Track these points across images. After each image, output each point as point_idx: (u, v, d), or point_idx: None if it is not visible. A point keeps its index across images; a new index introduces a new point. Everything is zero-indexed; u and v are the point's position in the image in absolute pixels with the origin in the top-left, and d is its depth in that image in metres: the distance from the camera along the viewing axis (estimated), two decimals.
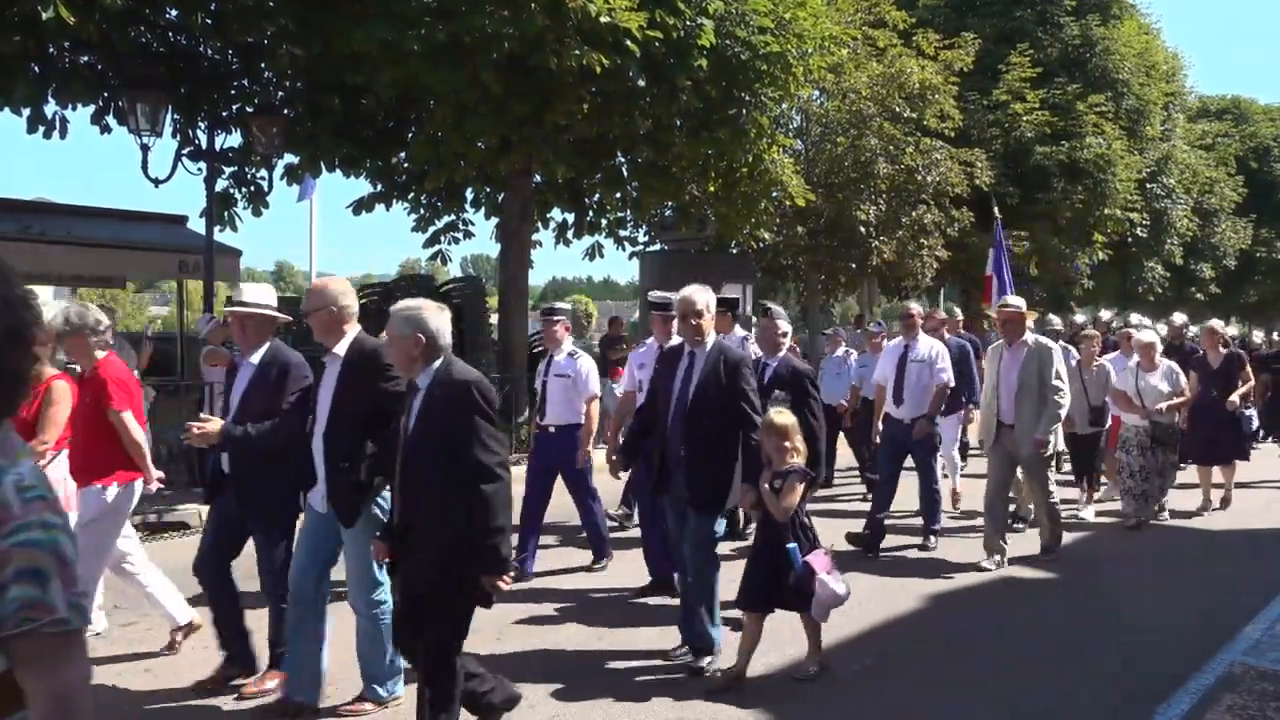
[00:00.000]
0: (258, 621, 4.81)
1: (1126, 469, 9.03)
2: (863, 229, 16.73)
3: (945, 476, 8.95)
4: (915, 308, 8.58)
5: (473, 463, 3.62)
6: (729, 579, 5.21)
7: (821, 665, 5.02)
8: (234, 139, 11.51)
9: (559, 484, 7.14)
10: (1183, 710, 4.69)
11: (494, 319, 14.25)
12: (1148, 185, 23.33)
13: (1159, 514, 9.23)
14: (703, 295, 5.10)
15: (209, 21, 9.92)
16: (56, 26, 8.14)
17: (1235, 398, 9.89)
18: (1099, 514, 9.44)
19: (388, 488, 4.14)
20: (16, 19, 8.34)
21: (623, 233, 14.98)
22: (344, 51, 9.57)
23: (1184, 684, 4.99)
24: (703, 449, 4.97)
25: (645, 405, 5.72)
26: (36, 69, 9.68)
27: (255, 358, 4.61)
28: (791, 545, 4.76)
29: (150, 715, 4.50)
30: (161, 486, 5.33)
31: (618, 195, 13.40)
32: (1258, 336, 20.48)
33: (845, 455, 11.45)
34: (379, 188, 13.17)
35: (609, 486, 8.64)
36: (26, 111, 9.87)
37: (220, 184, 11.54)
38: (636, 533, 7.45)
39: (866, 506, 8.27)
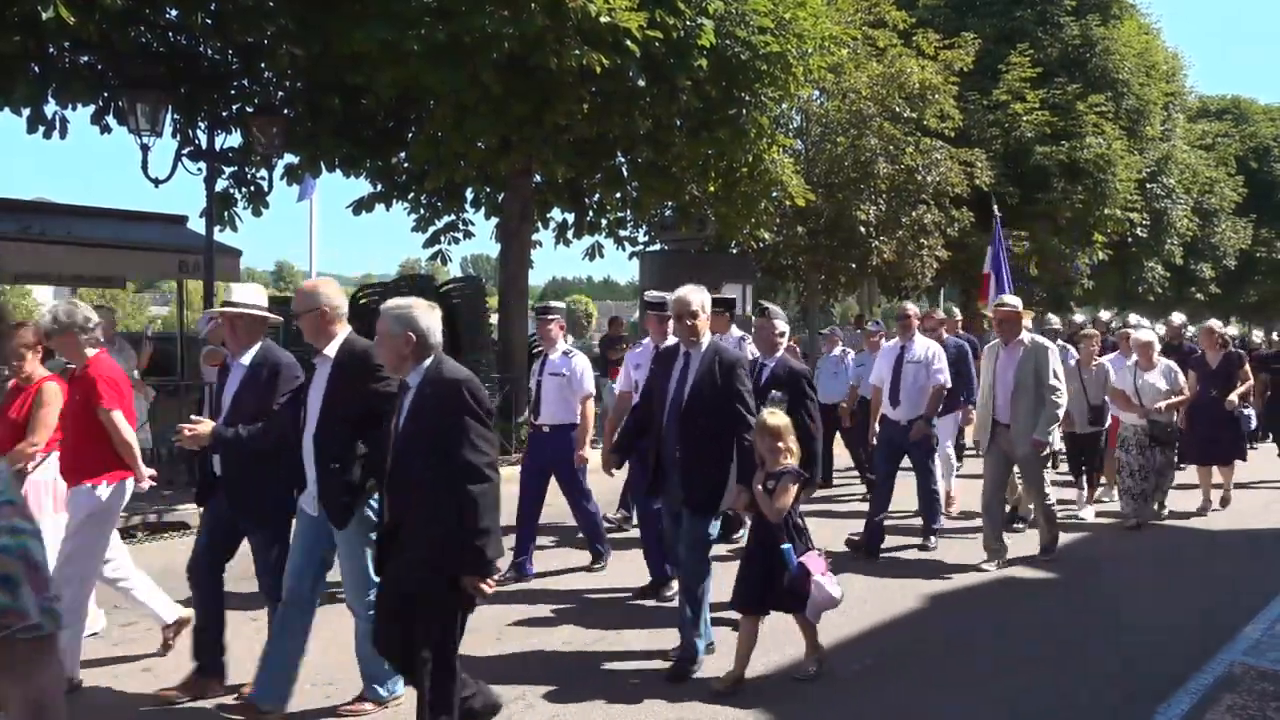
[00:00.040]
0: (252, 624, 4.79)
1: (1126, 468, 9.03)
2: (863, 229, 16.74)
3: (941, 477, 8.94)
4: (912, 308, 8.56)
5: (461, 463, 3.61)
6: (725, 580, 5.21)
7: (820, 664, 5.02)
8: (234, 139, 11.52)
9: (555, 484, 7.12)
10: (1183, 710, 4.69)
11: (494, 319, 14.24)
12: (1148, 185, 23.34)
13: (1159, 513, 9.23)
14: (698, 295, 5.07)
15: (209, 21, 9.91)
16: (56, 26, 8.13)
17: (1234, 397, 9.89)
18: (1099, 514, 9.45)
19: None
20: (16, 19, 8.33)
21: (623, 233, 14.97)
22: (344, 51, 9.56)
23: (1184, 684, 4.99)
24: (698, 450, 4.95)
25: (639, 405, 5.72)
26: (36, 69, 9.67)
27: (246, 358, 4.59)
28: (786, 546, 4.75)
29: (150, 715, 4.49)
30: (154, 485, 5.29)
31: (618, 195, 13.39)
32: (1257, 336, 20.47)
33: (844, 456, 11.45)
34: (379, 188, 13.16)
35: (609, 489, 8.66)
36: (26, 111, 9.86)
37: (220, 184, 11.53)
38: (636, 533, 7.45)
39: (866, 507, 8.27)
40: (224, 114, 11.23)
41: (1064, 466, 10.13)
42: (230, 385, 4.62)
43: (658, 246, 16.22)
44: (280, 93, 11.65)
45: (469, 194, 13.84)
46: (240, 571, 4.87)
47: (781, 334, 6.43)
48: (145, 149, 9.91)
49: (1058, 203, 20.07)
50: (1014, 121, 19.99)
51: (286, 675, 4.34)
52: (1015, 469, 7.81)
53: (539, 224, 14.14)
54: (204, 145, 10.78)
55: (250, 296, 4.69)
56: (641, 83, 10.30)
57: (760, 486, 4.81)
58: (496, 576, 3.81)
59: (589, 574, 7.09)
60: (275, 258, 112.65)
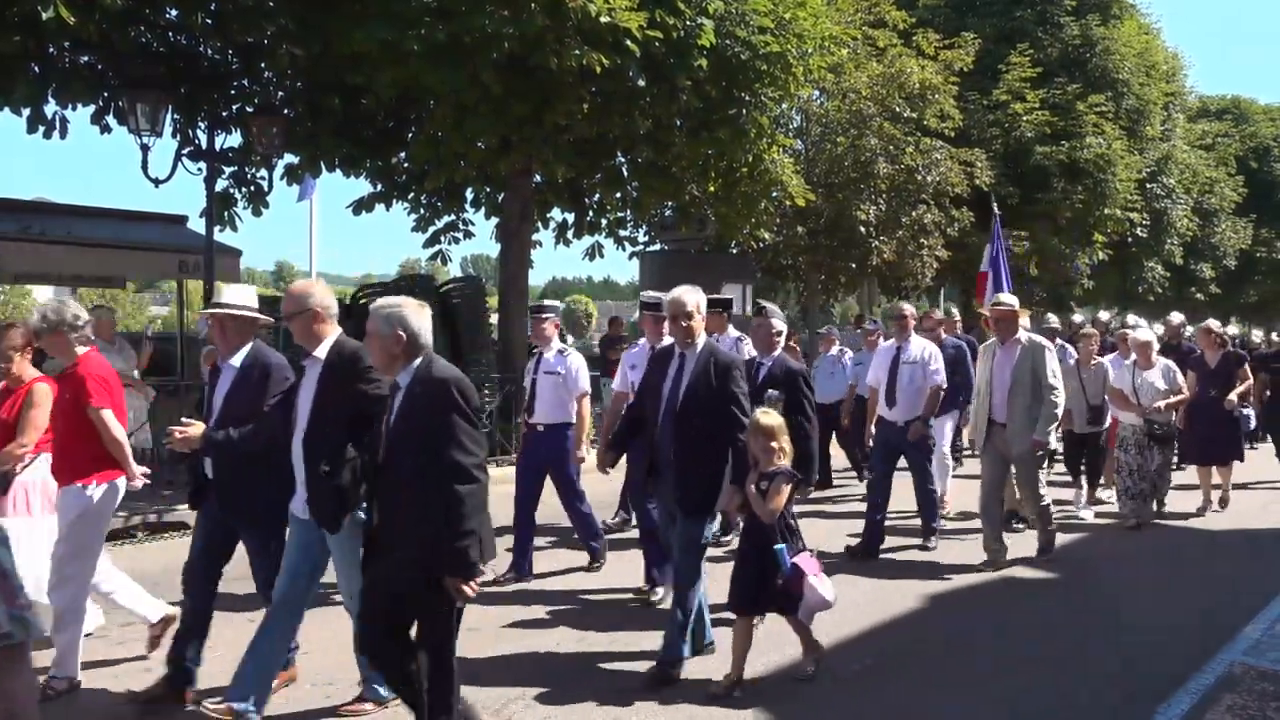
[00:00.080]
0: (250, 624, 4.74)
1: (1125, 468, 9.03)
2: (863, 229, 16.74)
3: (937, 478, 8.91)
4: (908, 308, 8.54)
5: (449, 463, 3.58)
6: (719, 580, 5.20)
7: (819, 663, 5.01)
8: (234, 139, 11.53)
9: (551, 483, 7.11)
10: (1183, 710, 4.69)
11: (494, 319, 14.24)
12: (1148, 185, 23.35)
13: (1159, 511, 9.23)
14: (693, 296, 5.05)
15: (209, 21, 9.91)
16: (56, 26, 8.13)
17: (1234, 396, 9.89)
18: (1099, 514, 9.45)
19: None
20: (16, 19, 8.34)
21: (623, 233, 14.97)
22: (344, 51, 9.56)
23: (1184, 684, 4.99)
24: (692, 451, 4.92)
25: (633, 405, 5.71)
26: (36, 69, 9.67)
27: (236, 360, 4.55)
28: (779, 547, 4.73)
29: (149, 715, 4.49)
30: (151, 484, 5.25)
31: (618, 195, 13.39)
32: (1256, 336, 20.48)
33: (843, 456, 11.46)
34: (379, 188, 13.17)
35: (609, 493, 8.66)
36: (26, 111, 9.87)
37: (220, 184, 11.53)
38: (634, 534, 7.44)
39: (863, 508, 8.25)
40: (224, 114, 11.24)
41: (1060, 467, 10.13)
42: (221, 387, 4.58)
43: (658, 246, 16.23)
44: (280, 93, 11.66)
45: (469, 194, 13.85)
46: (239, 573, 4.86)
47: (778, 333, 6.42)
48: (145, 149, 9.91)
49: (1058, 203, 20.08)
50: (1014, 121, 20.01)
51: (261, 676, 4.23)
52: (1012, 469, 7.80)
53: (539, 224, 14.15)
54: (204, 145, 10.79)
55: (240, 297, 4.65)
56: (641, 83, 10.30)
57: (753, 487, 4.78)
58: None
59: (588, 574, 7.08)
60: (275, 258, 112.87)
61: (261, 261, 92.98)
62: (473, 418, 3.68)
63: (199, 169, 10.72)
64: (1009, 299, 7.84)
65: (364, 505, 4.11)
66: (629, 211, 14.47)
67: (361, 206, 13.18)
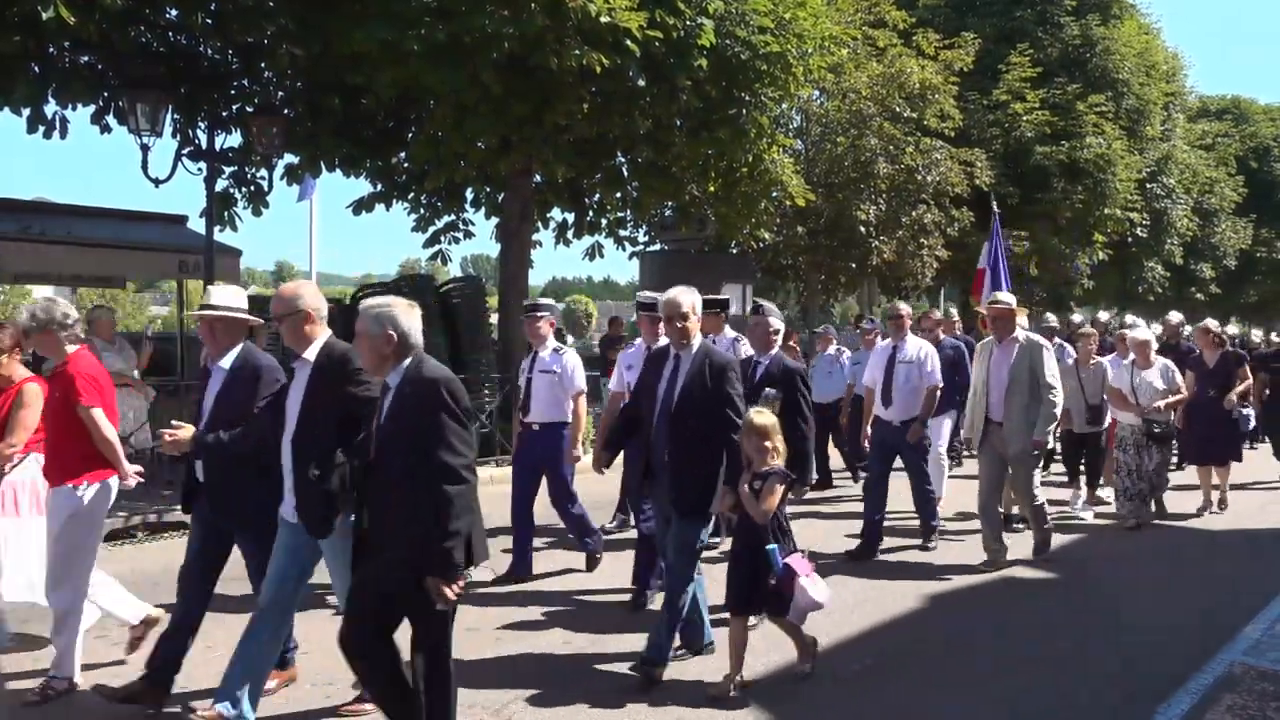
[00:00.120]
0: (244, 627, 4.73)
1: (1124, 469, 9.02)
2: (863, 229, 16.75)
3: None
4: (904, 308, 8.51)
5: (437, 463, 3.56)
6: (718, 581, 5.19)
7: (814, 660, 5.01)
8: (234, 139, 11.52)
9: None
10: (1183, 710, 4.69)
11: (494, 319, 14.24)
12: (1148, 185, 23.36)
13: (1158, 511, 9.23)
14: (688, 297, 5.04)
15: (209, 21, 9.91)
16: (56, 26, 8.13)
17: (1233, 395, 9.89)
18: (1098, 514, 9.44)
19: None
20: (16, 19, 8.33)
21: (623, 233, 14.96)
22: (344, 51, 9.56)
23: (1184, 684, 5.00)
24: (687, 452, 4.90)
25: (629, 404, 5.70)
26: (36, 69, 9.67)
27: (226, 362, 4.53)
28: (771, 547, 4.72)
29: (149, 715, 4.48)
30: (144, 483, 5.22)
31: (618, 195, 13.39)
32: (1256, 336, 20.48)
33: (840, 456, 11.45)
34: (379, 188, 13.16)
35: (607, 497, 8.65)
36: (26, 111, 9.86)
37: (220, 184, 11.52)
38: (634, 534, 7.43)
39: (859, 508, 8.23)
40: (224, 114, 11.23)
41: (1057, 468, 10.12)
42: (211, 389, 4.56)
43: (658, 246, 16.22)
44: (280, 93, 11.65)
45: (469, 194, 13.84)
46: (236, 574, 4.85)
47: (776, 331, 6.40)
48: (145, 149, 9.90)
49: (1058, 203, 20.09)
50: (1014, 121, 20.01)
51: (248, 680, 4.19)
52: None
53: (539, 224, 14.14)
54: (204, 145, 10.78)
55: (229, 299, 4.62)
56: (641, 83, 10.30)
57: (746, 487, 4.77)
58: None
59: (586, 574, 7.06)
60: (275, 258, 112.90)
61: (261, 261, 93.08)
62: (462, 418, 3.65)
63: (199, 169, 10.72)
64: (1006, 297, 7.83)
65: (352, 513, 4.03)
66: (629, 211, 14.47)
67: (361, 206, 13.17)
